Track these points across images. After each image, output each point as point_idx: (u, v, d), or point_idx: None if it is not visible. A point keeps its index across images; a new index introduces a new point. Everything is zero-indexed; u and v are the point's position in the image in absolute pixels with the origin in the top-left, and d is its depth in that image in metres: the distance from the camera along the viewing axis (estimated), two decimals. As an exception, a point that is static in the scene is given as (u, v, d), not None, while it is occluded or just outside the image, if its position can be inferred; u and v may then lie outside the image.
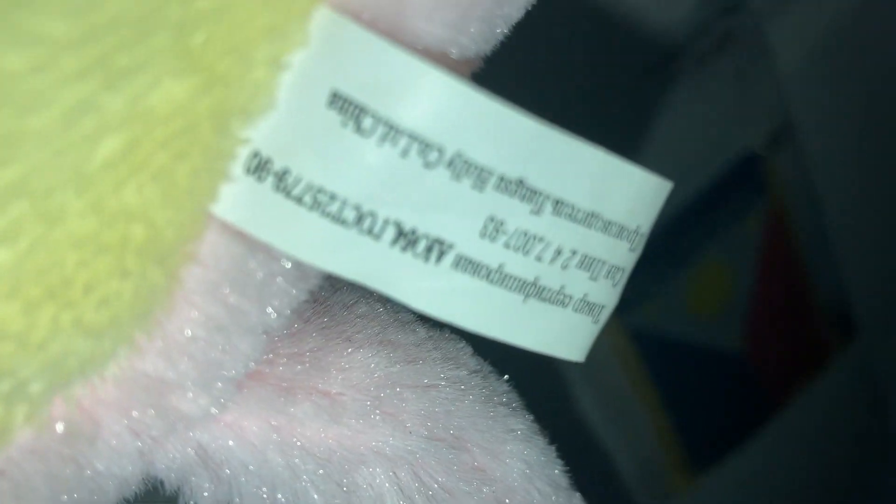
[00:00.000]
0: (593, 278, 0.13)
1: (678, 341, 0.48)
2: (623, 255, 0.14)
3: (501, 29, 0.13)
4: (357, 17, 0.12)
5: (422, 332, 0.16)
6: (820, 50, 0.46)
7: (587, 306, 0.14)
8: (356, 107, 0.11)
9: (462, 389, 0.15)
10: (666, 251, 0.46)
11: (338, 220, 0.12)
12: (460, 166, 0.12)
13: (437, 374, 0.15)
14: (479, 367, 0.16)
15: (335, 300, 0.16)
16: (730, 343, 0.50)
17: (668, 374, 0.48)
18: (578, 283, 0.13)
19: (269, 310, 0.13)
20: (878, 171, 0.52)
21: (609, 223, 0.13)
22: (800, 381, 0.54)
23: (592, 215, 0.13)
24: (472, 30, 0.12)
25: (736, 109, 0.45)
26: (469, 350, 0.16)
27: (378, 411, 0.15)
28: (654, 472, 0.51)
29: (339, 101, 0.11)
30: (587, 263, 0.13)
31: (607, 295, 0.14)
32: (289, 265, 0.13)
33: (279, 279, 0.13)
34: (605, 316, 0.14)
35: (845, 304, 0.54)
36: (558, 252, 0.13)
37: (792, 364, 0.54)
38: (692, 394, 0.50)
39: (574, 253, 0.13)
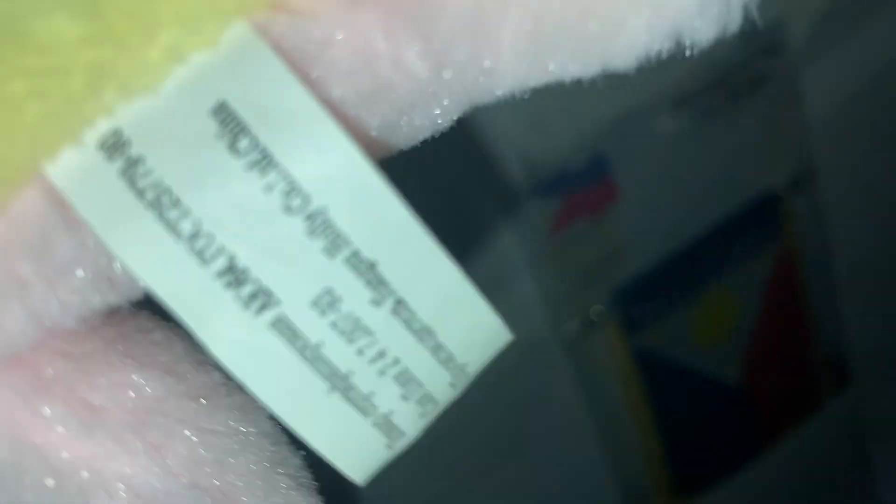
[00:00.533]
0: (405, 398, 0.12)
1: (678, 366, 0.49)
2: (441, 387, 0.13)
3: (407, 133, 0.12)
4: (274, 44, 0.11)
5: (217, 376, 0.14)
6: (851, 102, 0.47)
7: (387, 426, 0.13)
8: (239, 125, 0.11)
9: (244, 444, 0.14)
10: (679, 276, 0.46)
11: (172, 228, 0.11)
12: (319, 224, 0.11)
13: (221, 420, 0.13)
14: (272, 431, 0.14)
15: (132, 323, 0.14)
16: (727, 374, 0.50)
17: (665, 397, 0.49)
18: (388, 397, 0.12)
19: (57, 300, 0.11)
20: (892, 227, 0.52)
21: (440, 346, 0.12)
22: (791, 420, 0.54)
23: (428, 331, 0.12)
24: (378, 112, 0.12)
25: (761, 148, 0.46)
26: (265, 413, 0.14)
27: (141, 440, 0.13)
28: (639, 493, 0.51)
29: (223, 114, 0.11)
30: (404, 379, 0.12)
31: (412, 423, 0.13)
32: (99, 261, 0.11)
33: (82, 272, 0.11)
34: (400, 446, 0.13)
35: (842, 352, 0.54)
36: (381, 354, 0.12)
37: (785, 403, 0.54)
38: (686, 420, 0.50)
39: (396, 362, 0.12)
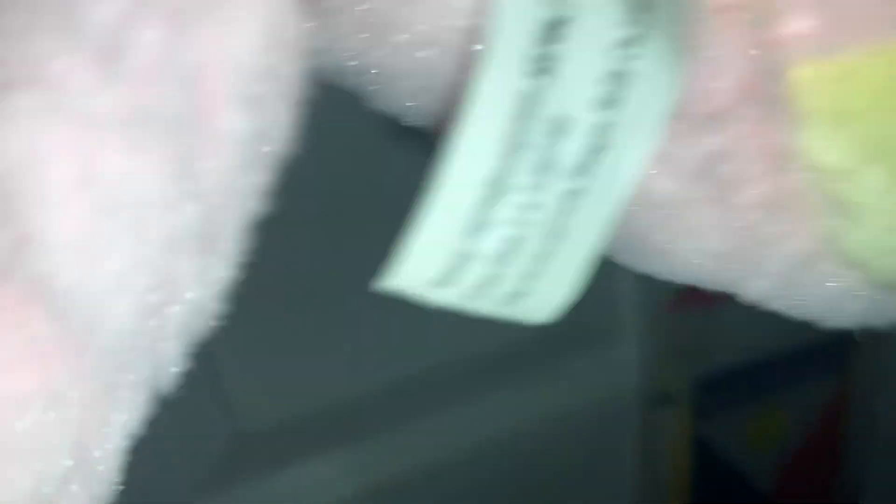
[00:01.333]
0: (500, 262, 0.13)
1: (725, 459, 0.53)
2: (502, 288, 0.13)
3: None
4: None
5: None
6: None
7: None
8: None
9: None
10: (751, 382, 0.51)
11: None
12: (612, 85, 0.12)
13: None
14: None
15: None
16: (762, 481, 0.55)
17: (704, 484, 0.53)
18: (494, 239, 0.13)
19: None
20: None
21: (543, 257, 0.13)
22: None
23: (556, 235, 0.13)
24: None
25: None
26: None
27: None
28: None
29: None
30: (512, 249, 0.13)
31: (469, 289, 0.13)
32: None
33: None
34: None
35: (860, 495, 0.59)
36: (534, 206, 0.12)
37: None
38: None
39: (527, 224, 0.13)
